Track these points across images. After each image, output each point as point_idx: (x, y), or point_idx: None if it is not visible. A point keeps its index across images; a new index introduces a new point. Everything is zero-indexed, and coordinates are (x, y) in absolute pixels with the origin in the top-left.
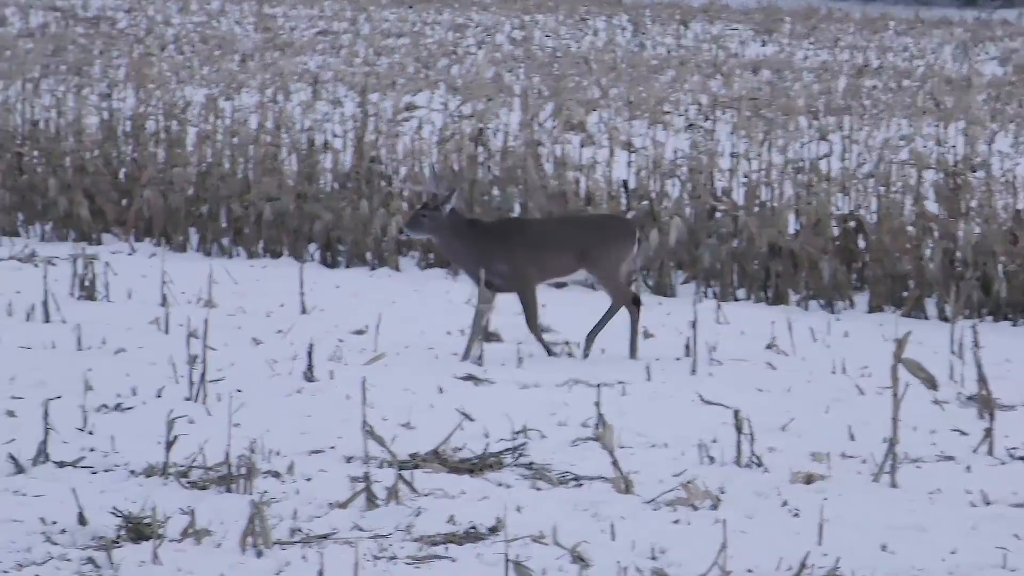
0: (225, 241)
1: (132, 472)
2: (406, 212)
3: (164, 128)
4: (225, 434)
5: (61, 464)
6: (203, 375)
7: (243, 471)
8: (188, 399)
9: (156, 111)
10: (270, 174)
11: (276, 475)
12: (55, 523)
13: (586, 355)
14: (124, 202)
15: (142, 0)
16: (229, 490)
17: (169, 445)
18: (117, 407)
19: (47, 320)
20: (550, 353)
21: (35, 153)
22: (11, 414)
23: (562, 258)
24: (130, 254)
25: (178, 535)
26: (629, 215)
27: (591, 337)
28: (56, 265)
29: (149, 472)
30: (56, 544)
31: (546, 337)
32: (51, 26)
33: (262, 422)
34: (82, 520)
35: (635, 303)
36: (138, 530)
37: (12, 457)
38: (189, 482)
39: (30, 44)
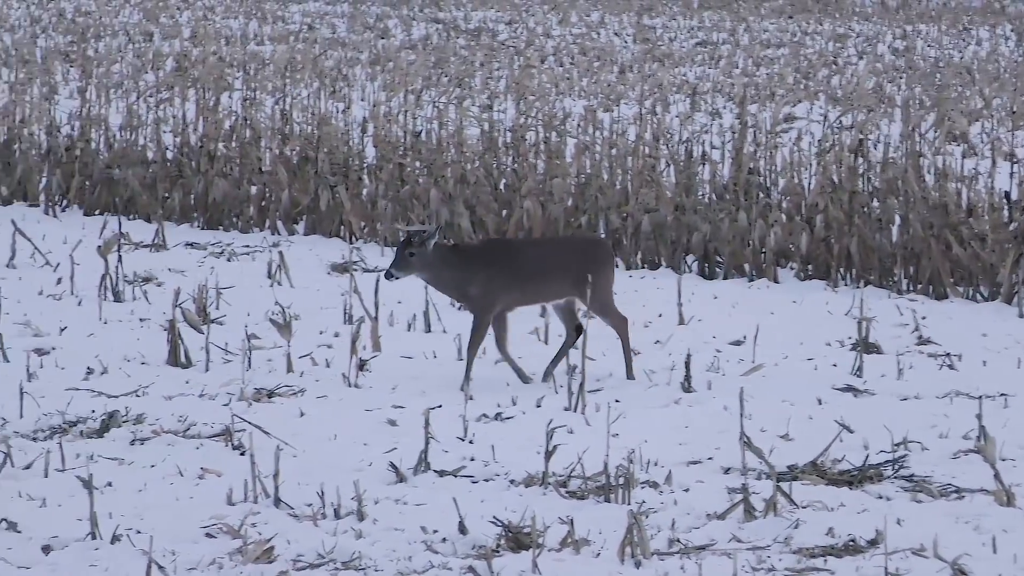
0: None
1: (512, 481)
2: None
3: (544, 139)
4: (603, 444)
5: (442, 473)
6: (581, 385)
7: (621, 481)
8: (567, 409)
9: (536, 122)
10: (648, 185)
11: (654, 485)
12: (436, 532)
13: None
14: (504, 212)
15: (523, 12)
16: (607, 500)
17: (548, 455)
18: (497, 416)
19: (428, 330)
20: (464, 388)
21: (417, 164)
22: (392, 423)
23: (553, 282)
24: None
25: (557, 544)
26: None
27: (629, 369)
28: None
29: (528, 481)
30: (437, 553)
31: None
32: (433, 38)
33: (640, 432)
34: (462, 529)
35: (577, 331)
36: (518, 539)
37: (393, 466)
38: (568, 492)
39: (412, 56)
